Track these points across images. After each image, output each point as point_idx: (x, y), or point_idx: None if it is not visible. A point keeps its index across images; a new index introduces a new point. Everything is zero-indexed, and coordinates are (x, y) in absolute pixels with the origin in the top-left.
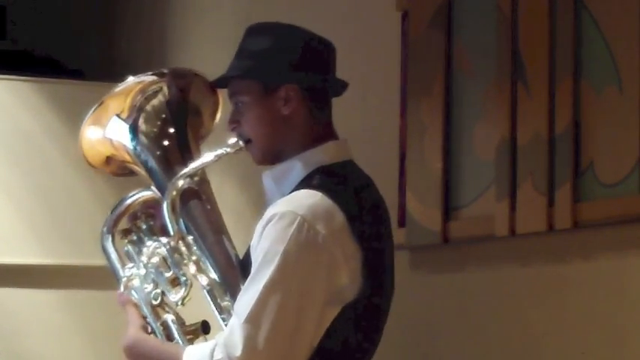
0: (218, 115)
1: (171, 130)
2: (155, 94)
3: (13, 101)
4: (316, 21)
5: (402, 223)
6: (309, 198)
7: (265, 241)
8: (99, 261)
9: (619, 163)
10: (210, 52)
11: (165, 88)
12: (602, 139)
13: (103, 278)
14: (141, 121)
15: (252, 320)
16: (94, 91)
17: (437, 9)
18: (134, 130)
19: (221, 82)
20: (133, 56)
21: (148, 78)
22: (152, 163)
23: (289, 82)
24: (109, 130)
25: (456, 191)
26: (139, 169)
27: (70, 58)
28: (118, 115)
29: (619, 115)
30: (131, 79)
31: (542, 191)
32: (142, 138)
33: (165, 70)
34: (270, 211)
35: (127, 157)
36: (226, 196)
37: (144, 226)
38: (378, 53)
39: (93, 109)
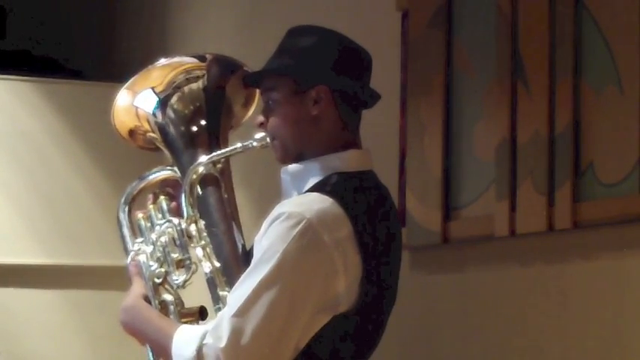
0: (252, 109)
1: (203, 119)
2: (197, 78)
3: (13, 101)
4: (316, 21)
5: (402, 223)
6: (320, 203)
7: (268, 239)
8: (99, 261)
9: (619, 163)
10: (211, 52)
11: (206, 75)
12: (602, 139)
13: (103, 278)
14: (174, 99)
15: (242, 314)
16: (94, 91)
17: (437, 9)
18: (164, 103)
19: (255, 78)
20: (132, 56)
21: (193, 60)
22: (177, 142)
23: (322, 83)
24: (138, 99)
25: (456, 191)
26: (162, 145)
27: (70, 58)
28: (153, 88)
29: (619, 115)
30: (175, 59)
31: (542, 191)
32: (170, 112)
33: (208, 56)
34: (278, 209)
35: (148, 127)
36: None
37: (160, 204)
38: (378, 53)
39: (136, 75)
